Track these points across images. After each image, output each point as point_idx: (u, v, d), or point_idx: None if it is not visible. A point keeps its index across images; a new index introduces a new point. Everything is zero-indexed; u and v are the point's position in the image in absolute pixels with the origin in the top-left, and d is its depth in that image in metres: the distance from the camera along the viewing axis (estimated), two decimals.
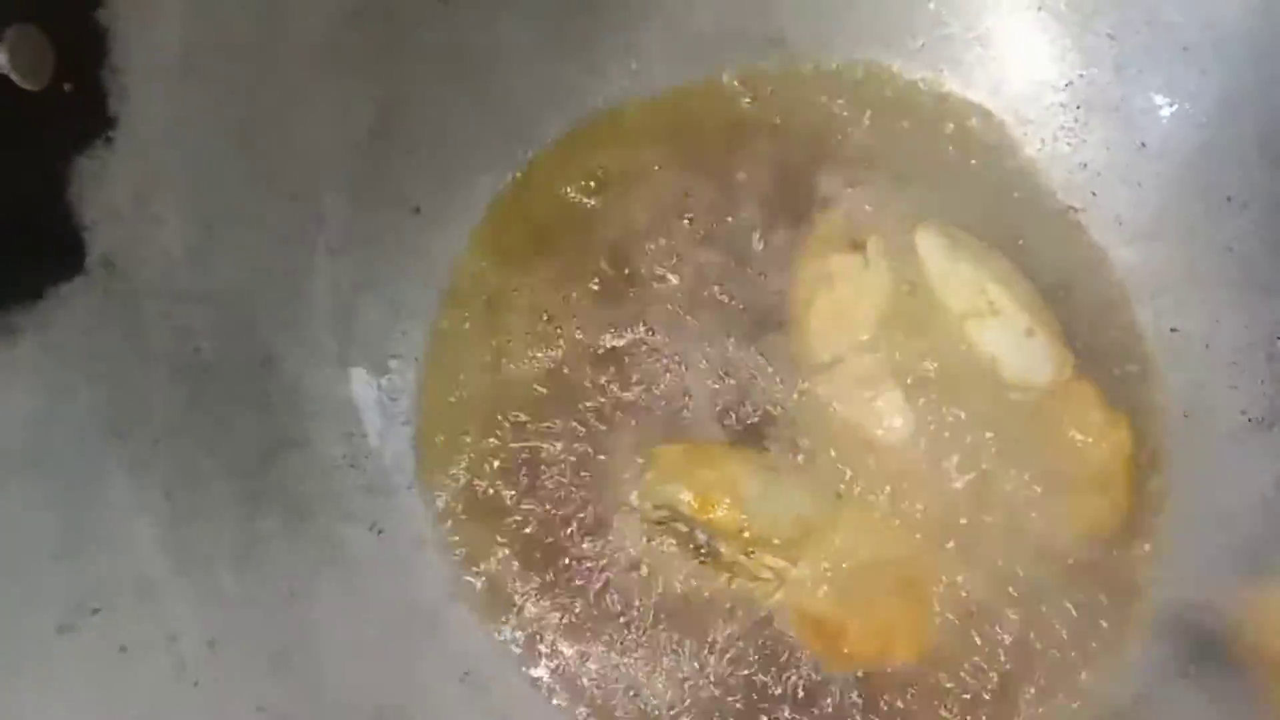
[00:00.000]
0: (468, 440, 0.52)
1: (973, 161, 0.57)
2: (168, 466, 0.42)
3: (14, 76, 0.36)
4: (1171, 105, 0.55)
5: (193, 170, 0.44)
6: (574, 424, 0.52)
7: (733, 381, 0.52)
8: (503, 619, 0.49)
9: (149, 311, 0.42)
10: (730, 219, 0.55)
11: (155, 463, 0.41)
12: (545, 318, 0.53)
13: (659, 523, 0.49)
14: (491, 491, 0.51)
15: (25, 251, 0.37)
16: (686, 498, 0.48)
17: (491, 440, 0.52)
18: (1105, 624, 0.50)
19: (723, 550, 0.49)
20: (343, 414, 0.50)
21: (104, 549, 0.38)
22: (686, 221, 0.55)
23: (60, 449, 0.38)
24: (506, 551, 0.50)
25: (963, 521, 0.50)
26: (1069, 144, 0.57)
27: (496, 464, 0.51)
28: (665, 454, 0.50)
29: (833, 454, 0.51)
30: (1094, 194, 0.57)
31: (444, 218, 0.53)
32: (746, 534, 0.48)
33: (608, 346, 0.53)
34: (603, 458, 0.51)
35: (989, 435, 0.51)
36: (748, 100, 0.57)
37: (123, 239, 0.41)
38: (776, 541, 0.48)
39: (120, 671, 0.37)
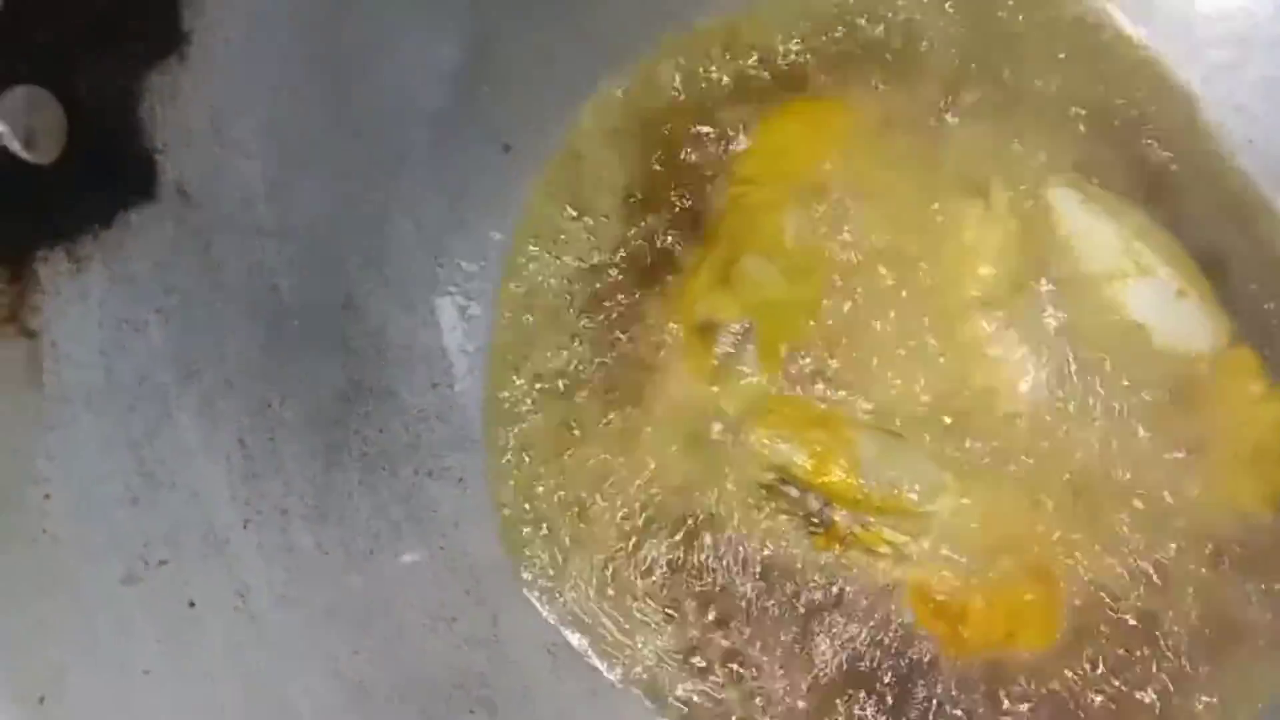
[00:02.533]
0: (538, 392, 0.48)
1: (1112, 100, 0.51)
2: (241, 411, 0.39)
3: None
4: None
5: (272, 96, 0.41)
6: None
7: (848, 345, 0.47)
8: (580, 589, 0.46)
9: (224, 245, 0.39)
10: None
11: (228, 406, 0.39)
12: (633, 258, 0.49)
13: (765, 486, 0.45)
14: (563, 449, 0.47)
15: (95, 173, 0.34)
16: (800, 459, 0.44)
17: (564, 392, 0.48)
18: (1263, 620, 0.45)
19: (837, 519, 0.45)
20: (428, 361, 0.47)
21: (173, 496, 0.36)
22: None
23: (129, 387, 0.35)
24: (586, 517, 0.47)
25: (1100, 499, 0.45)
26: (1224, 85, 0.51)
27: (572, 420, 0.48)
28: (774, 411, 0.46)
29: (955, 420, 0.46)
30: (1251, 141, 0.51)
31: (535, 156, 0.50)
32: (863, 502, 0.44)
33: None
34: (697, 412, 0.47)
35: (1131, 406, 0.46)
36: (864, 22, 0.52)
37: (197, 165, 0.38)
38: (896, 512, 0.44)
39: (188, 626, 0.34)
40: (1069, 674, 0.44)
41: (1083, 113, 0.51)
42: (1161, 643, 0.44)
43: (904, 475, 0.45)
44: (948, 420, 0.46)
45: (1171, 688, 0.44)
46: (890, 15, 0.51)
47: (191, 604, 0.35)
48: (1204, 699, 0.44)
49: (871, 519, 0.45)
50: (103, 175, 0.35)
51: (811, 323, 0.47)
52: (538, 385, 0.48)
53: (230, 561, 0.37)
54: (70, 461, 0.33)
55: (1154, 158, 0.51)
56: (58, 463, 0.32)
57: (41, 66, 0.32)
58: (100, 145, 0.34)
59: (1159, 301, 0.47)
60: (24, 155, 0.32)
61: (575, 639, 0.45)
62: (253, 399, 0.39)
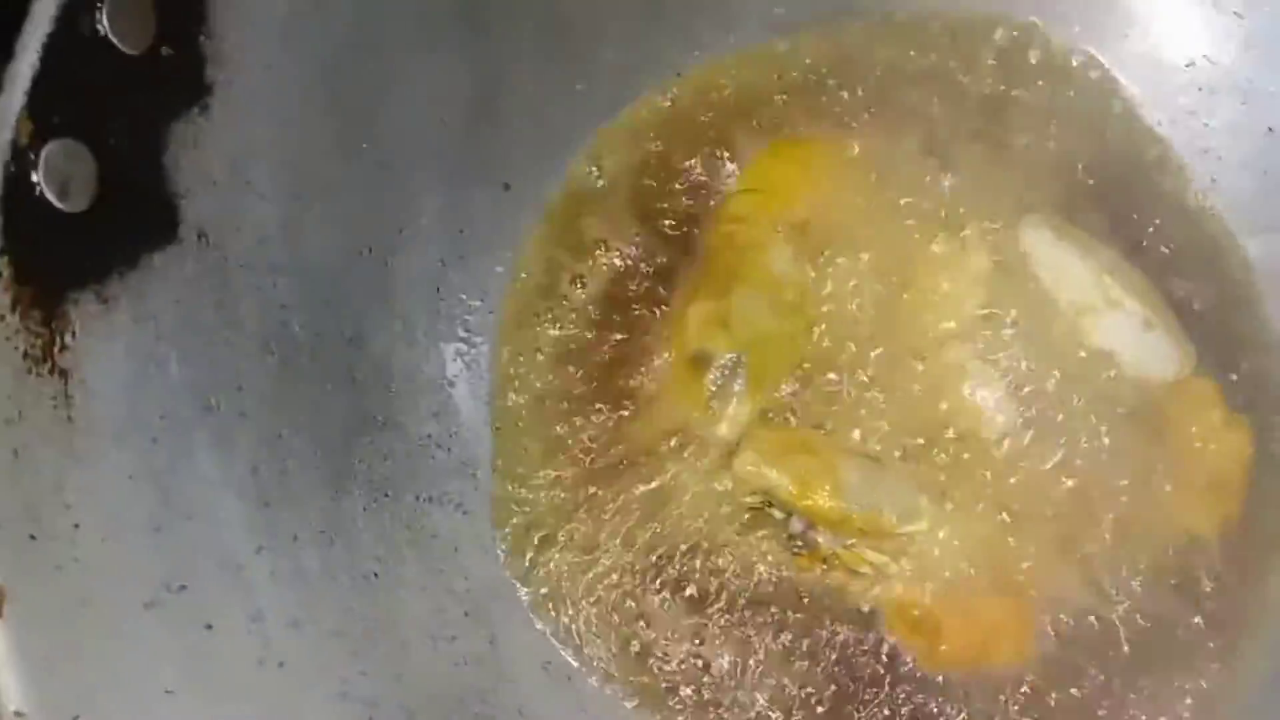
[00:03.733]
0: (539, 423, 0.50)
1: (1085, 143, 0.54)
2: (255, 442, 0.41)
3: (114, 39, 0.36)
4: None
5: (287, 142, 0.43)
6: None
7: (831, 375, 0.49)
8: (576, 610, 0.48)
9: (240, 284, 0.41)
10: None
11: (242, 437, 0.40)
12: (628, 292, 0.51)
13: (752, 509, 0.48)
14: (564, 477, 0.49)
15: (122, 219, 0.36)
16: (784, 482, 0.46)
17: (566, 423, 0.50)
18: (1218, 638, 0.47)
19: (820, 541, 0.47)
20: (430, 392, 0.49)
21: (191, 525, 0.37)
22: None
23: (152, 420, 0.37)
24: (584, 541, 0.48)
25: (1066, 523, 0.48)
26: (1190, 128, 0.54)
27: (572, 449, 0.50)
28: (760, 437, 0.48)
29: (933, 447, 0.48)
30: (1215, 181, 0.53)
31: (535, 195, 0.52)
32: (845, 524, 0.46)
33: None
34: (689, 441, 0.49)
35: (1097, 433, 0.48)
36: (847, 69, 0.54)
37: (216, 209, 0.40)
38: (876, 534, 0.46)
39: (206, 649, 0.36)
40: (1041, 687, 0.46)
41: (1057, 155, 0.53)
42: (1121, 657, 0.46)
43: (884, 499, 0.47)
44: (925, 446, 0.48)
45: (1130, 701, 0.46)
46: (869, 64, 0.54)
47: (209, 627, 0.36)
48: (1163, 713, 0.46)
49: (853, 540, 0.47)
50: (129, 221, 0.36)
51: (799, 355, 0.50)
52: (537, 413, 0.50)
53: (244, 586, 0.38)
54: (97, 492, 0.34)
55: (1124, 197, 0.53)
56: (86, 493, 0.34)
57: (75, 121, 0.34)
58: (127, 192, 0.36)
59: (1126, 333, 0.49)
60: (59, 205, 0.34)
61: (571, 657, 0.47)
62: (265, 430, 0.41)
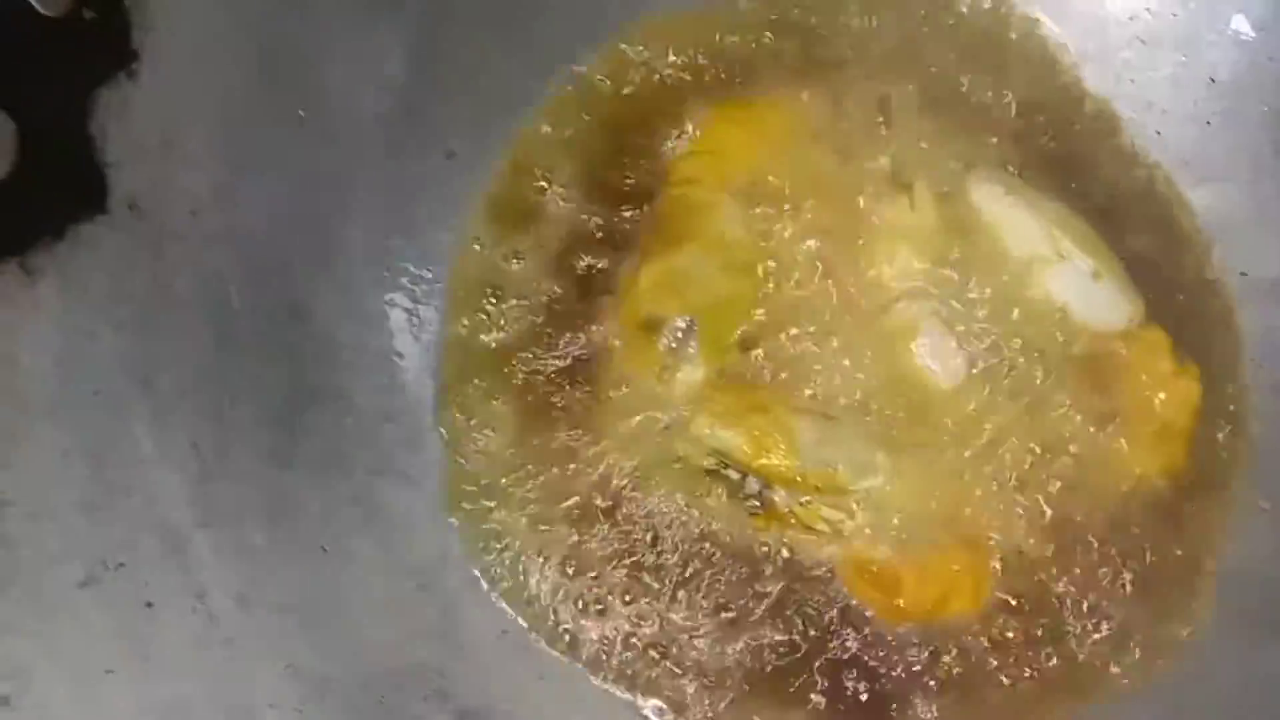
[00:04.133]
0: (490, 390, 0.49)
1: (1031, 98, 0.54)
2: (195, 417, 0.40)
3: (34, 2, 0.35)
4: (1242, 38, 0.52)
5: (222, 109, 0.42)
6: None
7: (784, 335, 0.49)
8: (529, 577, 0.47)
9: (175, 255, 0.40)
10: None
11: (182, 413, 0.40)
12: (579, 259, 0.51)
13: (708, 471, 0.47)
14: (516, 444, 0.49)
15: (46, 189, 0.35)
16: (739, 443, 0.46)
17: (516, 389, 0.49)
18: (1167, 580, 0.48)
19: (776, 500, 0.47)
20: (377, 364, 0.48)
21: (129, 501, 0.37)
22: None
23: (85, 396, 0.36)
24: (538, 508, 0.48)
25: (1021, 471, 0.48)
26: (1133, 81, 0.54)
27: (523, 415, 0.49)
28: (714, 399, 0.48)
29: (886, 402, 0.48)
30: (1159, 133, 0.54)
31: (479, 162, 0.51)
32: (801, 482, 0.46)
33: None
34: (642, 405, 0.49)
35: (1049, 384, 0.49)
36: (784, 24, 0.54)
37: (148, 178, 0.39)
38: (832, 491, 0.46)
39: (147, 627, 0.35)
40: (997, 634, 0.47)
41: (1003, 111, 0.53)
42: (1073, 602, 0.47)
43: (839, 455, 0.47)
44: (880, 401, 0.48)
45: (1084, 644, 0.47)
46: (813, 22, 0.53)
47: (149, 604, 0.36)
48: (1115, 654, 0.47)
49: (809, 498, 0.47)
50: (54, 189, 0.35)
51: (751, 315, 0.49)
52: (487, 385, 0.49)
53: (187, 563, 0.38)
54: (28, 470, 0.33)
55: (1070, 151, 0.53)
56: (16, 471, 0.33)
57: None
58: (51, 160, 0.35)
59: (1076, 284, 0.49)
60: None
61: (527, 624, 0.46)
62: (206, 404, 0.40)
